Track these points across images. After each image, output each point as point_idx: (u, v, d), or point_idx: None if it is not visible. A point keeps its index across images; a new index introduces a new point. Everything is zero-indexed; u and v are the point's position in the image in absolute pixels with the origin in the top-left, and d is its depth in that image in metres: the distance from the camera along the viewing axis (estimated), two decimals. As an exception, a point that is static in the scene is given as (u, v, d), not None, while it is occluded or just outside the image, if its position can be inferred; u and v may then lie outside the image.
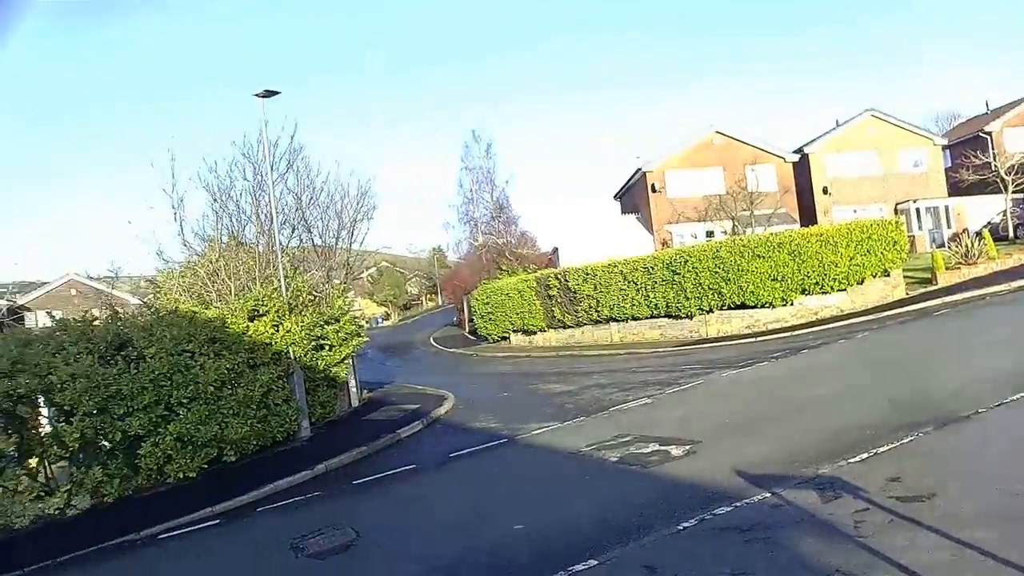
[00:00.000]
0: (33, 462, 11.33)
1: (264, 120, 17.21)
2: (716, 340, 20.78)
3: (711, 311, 21.68)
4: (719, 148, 36.46)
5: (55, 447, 11.23)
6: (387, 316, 71.77)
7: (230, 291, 17.03)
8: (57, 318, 13.02)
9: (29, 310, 29.12)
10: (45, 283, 33.80)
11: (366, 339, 19.99)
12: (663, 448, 9.23)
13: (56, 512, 10.89)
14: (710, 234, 33.07)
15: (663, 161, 36.60)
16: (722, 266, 21.05)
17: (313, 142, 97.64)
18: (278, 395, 13.75)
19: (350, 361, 17.72)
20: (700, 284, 21.51)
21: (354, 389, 18.44)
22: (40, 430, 11.46)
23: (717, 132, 36.77)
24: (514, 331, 31.08)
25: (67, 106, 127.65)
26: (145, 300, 20.06)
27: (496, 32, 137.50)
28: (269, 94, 16.17)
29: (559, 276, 26.99)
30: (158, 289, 19.55)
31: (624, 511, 7.13)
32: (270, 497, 10.58)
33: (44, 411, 11.53)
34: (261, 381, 13.26)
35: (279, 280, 16.41)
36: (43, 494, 11.01)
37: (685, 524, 6.35)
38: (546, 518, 7.53)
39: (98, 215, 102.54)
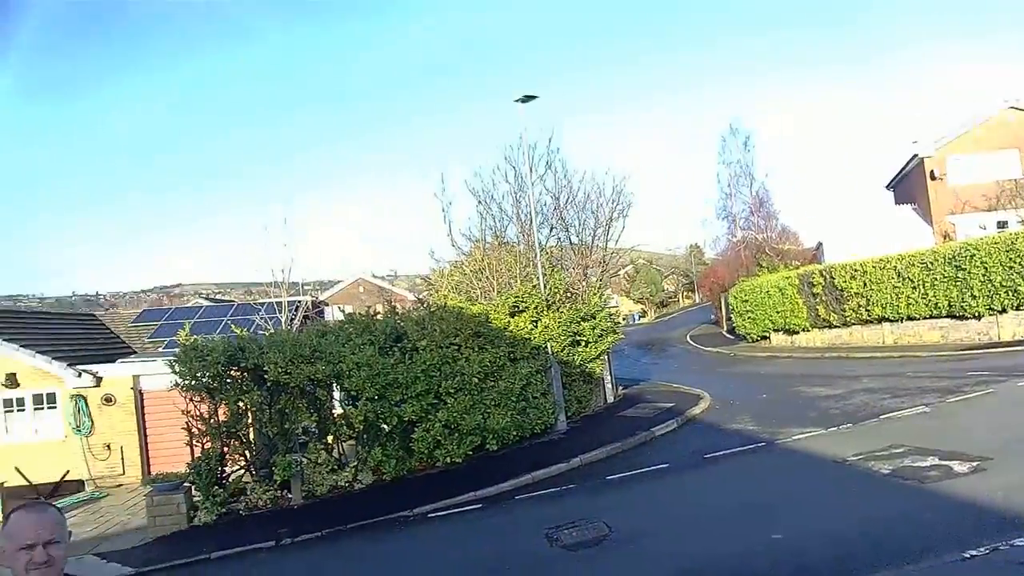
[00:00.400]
0: (329, 439, 12.93)
1: (523, 125, 17.97)
2: (1010, 344, 18.12)
3: (1004, 311, 19.00)
4: (1013, 126, 31.17)
5: (344, 427, 12.72)
6: (644, 313, 71.76)
7: (493, 288, 18.03)
8: (346, 312, 14.67)
9: (327, 305, 33.16)
10: (339, 281, 38.47)
11: (622, 336, 20.06)
12: (944, 463, 8.15)
13: (346, 485, 12.33)
14: (1002, 224, 28.70)
15: (943, 145, 32.17)
16: (1019, 260, 18.34)
17: (569, 141, 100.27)
18: (536, 388, 14.30)
19: (605, 357, 17.92)
20: (990, 281, 18.97)
21: (609, 385, 18.61)
22: (333, 411, 13.03)
23: (1011, 107, 31.50)
24: (774, 330, 29.50)
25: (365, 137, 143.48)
26: (420, 296, 21.92)
27: (755, 15, 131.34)
28: (528, 99, 16.80)
29: (824, 273, 25.22)
30: (430, 286, 21.29)
31: (896, 530, 6.39)
32: (528, 486, 11.01)
33: (336, 395, 13.08)
34: (521, 374, 13.88)
35: (538, 277, 17.03)
36: (336, 468, 12.54)
37: (972, 552, 5.49)
38: (807, 529, 6.98)
39: (383, 221, 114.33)
